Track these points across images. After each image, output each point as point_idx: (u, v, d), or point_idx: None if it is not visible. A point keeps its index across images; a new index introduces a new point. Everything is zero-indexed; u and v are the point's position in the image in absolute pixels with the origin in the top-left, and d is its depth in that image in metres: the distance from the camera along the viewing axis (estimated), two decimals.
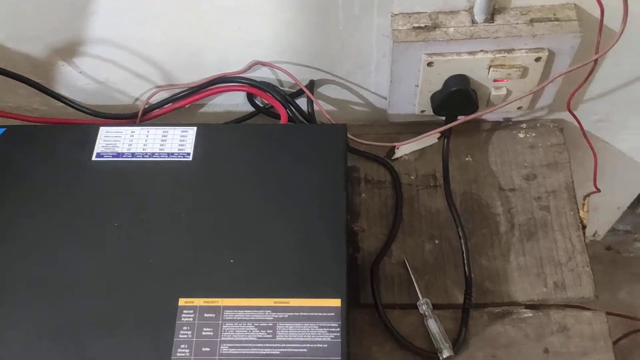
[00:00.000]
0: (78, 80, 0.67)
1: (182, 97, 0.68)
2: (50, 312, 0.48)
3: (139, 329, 0.47)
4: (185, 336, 0.47)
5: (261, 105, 0.71)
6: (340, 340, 0.47)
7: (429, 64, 0.59)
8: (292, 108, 0.65)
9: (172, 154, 0.55)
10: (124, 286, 0.49)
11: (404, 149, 0.72)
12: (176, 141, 0.56)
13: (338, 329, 0.47)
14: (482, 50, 0.59)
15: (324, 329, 0.47)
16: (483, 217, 0.67)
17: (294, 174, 0.54)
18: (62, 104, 0.67)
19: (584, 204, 0.68)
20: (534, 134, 0.72)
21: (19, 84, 0.63)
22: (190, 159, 0.55)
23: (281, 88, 0.68)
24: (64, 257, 0.50)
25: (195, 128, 0.57)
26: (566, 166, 0.69)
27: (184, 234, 0.51)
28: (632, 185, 0.91)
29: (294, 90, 0.68)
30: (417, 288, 0.62)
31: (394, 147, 0.72)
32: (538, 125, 0.72)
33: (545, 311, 0.62)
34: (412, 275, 0.63)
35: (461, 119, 0.65)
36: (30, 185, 0.54)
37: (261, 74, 0.67)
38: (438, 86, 0.62)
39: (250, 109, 0.70)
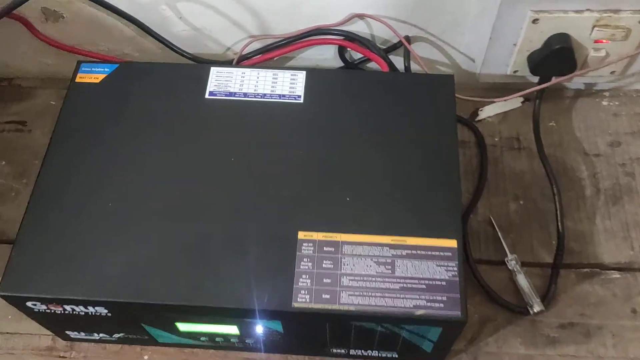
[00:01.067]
0: (176, 26, 0.67)
1: (275, 47, 0.68)
2: (180, 230, 0.49)
3: (263, 256, 0.48)
4: (306, 267, 0.48)
5: (350, 60, 0.71)
6: (458, 278, 0.48)
7: (534, 21, 0.60)
8: (388, 62, 0.65)
9: (284, 95, 0.56)
10: (247, 214, 0.49)
11: (488, 111, 0.72)
12: (287, 83, 0.57)
13: (456, 268, 0.48)
14: (588, 9, 0.59)
15: (442, 268, 0.48)
16: (568, 180, 0.68)
17: (406, 120, 0.54)
18: (156, 50, 0.68)
19: None
20: (617, 103, 0.72)
21: (113, 26, 0.64)
22: (302, 101, 0.56)
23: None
24: (188, 184, 0.51)
25: (304, 72, 0.57)
26: None
27: (299, 171, 0.52)
28: None
29: (385, 47, 0.69)
30: (504, 245, 0.63)
31: (477, 109, 0.72)
32: (621, 94, 0.73)
33: (633, 273, 0.63)
34: (499, 233, 0.64)
35: (554, 79, 0.66)
36: (147, 119, 0.54)
37: (357, 28, 0.67)
38: (538, 45, 0.63)
39: (340, 63, 0.71)
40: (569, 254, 0.63)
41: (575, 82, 0.72)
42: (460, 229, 0.50)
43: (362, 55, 0.68)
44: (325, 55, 0.71)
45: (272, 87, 0.56)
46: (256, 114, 0.55)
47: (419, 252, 0.49)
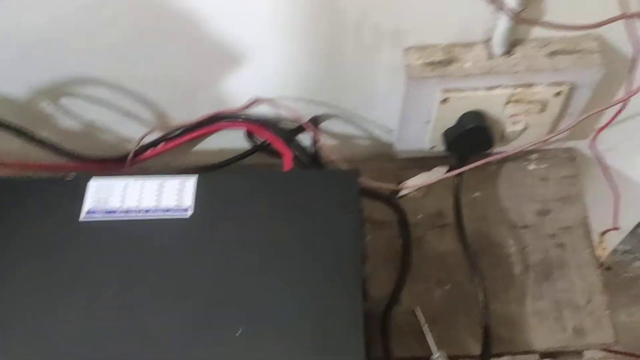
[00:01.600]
0: (64, 121, 0.62)
1: (175, 136, 0.63)
2: None
3: None
4: None
5: (259, 142, 0.66)
6: None
7: (444, 101, 0.56)
8: (294, 147, 0.61)
9: (169, 209, 0.51)
10: None
11: (411, 185, 0.68)
12: (174, 194, 0.51)
13: None
14: (500, 86, 0.55)
15: None
16: (494, 258, 0.64)
17: (305, 228, 0.50)
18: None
19: (601, 241, 0.66)
20: (544, 165, 0.69)
21: None
22: (189, 214, 0.50)
23: (282, 124, 0.63)
24: (52, 332, 0.45)
25: (194, 178, 0.52)
26: (580, 199, 0.67)
27: (186, 302, 0.46)
28: (637, 208, 0.89)
29: (296, 126, 0.64)
30: (432, 342, 0.58)
31: (400, 182, 0.68)
32: (549, 156, 0.69)
33: (565, 359, 0.59)
34: (424, 327, 0.59)
35: (474, 158, 0.62)
36: (15, 251, 0.48)
37: (261, 110, 0.62)
38: (452, 122, 0.59)
39: (248, 146, 0.66)
40: (498, 342, 0.60)
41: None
42: (363, 353, 0.45)
43: None
44: (232, 138, 0.66)
45: (157, 199, 0.51)
46: (137, 236, 0.49)
47: None
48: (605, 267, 1.12)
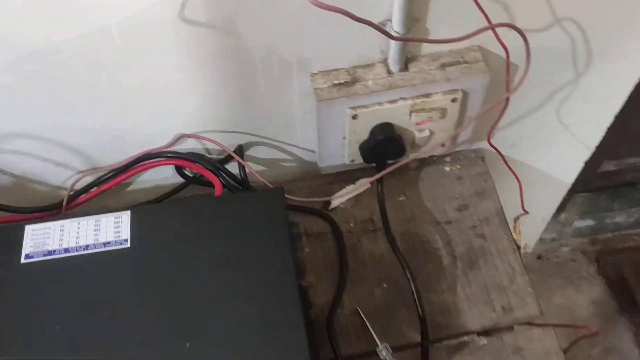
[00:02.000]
0: None
1: (107, 179, 0.65)
2: None
3: None
4: None
5: (191, 175, 0.69)
6: None
7: (354, 117, 0.61)
8: (224, 175, 0.64)
9: (108, 242, 0.53)
10: None
11: (339, 199, 0.73)
12: (110, 228, 0.54)
13: None
14: (401, 98, 0.61)
15: None
16: (425, 253, 0.69)
17: (238, 246, 0.53)
18: None
19: (515, 226, 0.72)
20: (458, 166, 0.75)
21: None
22: (129, 244, 0.53)
23: (210, 156, 0.67)
24: None
25: (128, 212, 0.55)
26: (493, 193, 0.73)
27: (132, 329, 0.49)
28: (551, 197, 0.97)
29: (223, 157, 0.68)
30: (373, 334, 0.62)
31: (329, 197, 0.73)
32: (461, 157, 0.76)
33: (499, 336, 0.64)
34: (366, 323, 0.63)
35: (391, 163, 0.67)
36: None
37: (188, 145, 0.66)
38: (365, 136, 0.64)
39: (180, 180, 0.69)
40: (436, 329, 0.64)
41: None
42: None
43: None
44: (165, 174, 0.69)
45: (95, 235, 0.53)
46: (79, 271, 0.51)
47: None
48: (537, 257, 1.20)
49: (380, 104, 0.61)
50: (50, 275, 0.51)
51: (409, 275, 0.63)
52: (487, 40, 0.58)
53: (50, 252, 0.52)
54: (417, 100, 0.61)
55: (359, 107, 0.61)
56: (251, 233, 0.54)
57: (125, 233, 0.54)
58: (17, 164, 0.63)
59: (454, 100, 0.62)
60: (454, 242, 0.70)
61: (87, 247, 0.53)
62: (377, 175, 0.66)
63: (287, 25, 0.55)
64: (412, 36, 0.56)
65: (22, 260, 0.52)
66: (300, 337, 0.49)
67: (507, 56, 0.56)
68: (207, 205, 0.56)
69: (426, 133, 0.65)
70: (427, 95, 0.61)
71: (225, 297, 0.50)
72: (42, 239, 0.53)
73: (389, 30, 0.55)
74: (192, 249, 0.53)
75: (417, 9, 0.56)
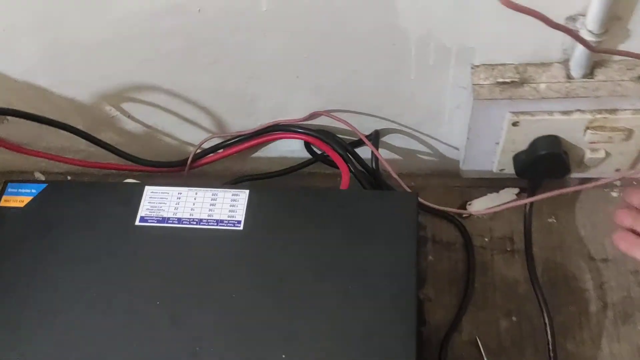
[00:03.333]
0: (126, 124, 0.62)
1: (234, 143, 0.63)
2: None
3: None
4: None
5: (319, 152, 0.64)
6: None
7: (515, 124, 0.52)
8: (353, 161, 0.58)
9: (222, 221, 0.50)
10: None
11: (478, 205, 0.64)
12: (226, 206, 0.50)
13: None
14: (578, 110, 0.50)
15: None
16: (569, 292, 0.59)
17: (358, 249, 0.47)
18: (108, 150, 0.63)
19: None
20: None
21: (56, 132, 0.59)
22: (242, 227, 0.49)
23: (341, 137, 0.61)
24: (99, 338, 0.45)
25: (247, 192, 0.51)
26: None
27: (232, 318, 0.45)
28: None
29: (355, 139, 0.62)
30: None
31: (466, 201, 0.64)
32: (634, 183, 0.63)
33: None
34: (485, 358, 0.55)
35: (547, 185, 0.57)
36: (70, 252, 0.49)
37: (320, 122, 0.60)
38: (523, 146, 0.54)
39: (308, 156, 0.64)
40: None
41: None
42: None
43: None
44: (293, 147, 0.64)
45: (210, 210, 0.50)
46: (189, 246, 0.49)
47: None
48: None
49: (550, 113, 0.51)
50: (160, 245, 0.49)
51: (545, 314, 0.54)
52: None
53: (164, 220, 0.50)
54: (598, 116, 0.50)
55: (523, 113, 0.51)
56: (375, 236, 0.48)
57: (240, 214, 0.50)
58: (149, 115, 0.61)
59: None
60: (607, 286, 0.58)
61: (200, 221, 0.50)
62: (532, 199, 0.56)
63: (451, 7, 0.46)
64: (606, 46, 0.45)
65: (137, 222, 0.50)
66: (410, 356, 0.42)
67: None
68: (333, 198, 0.51)
69: (601, 154, 0.54)
70: (613, 112, 0.50)
71: (333, 301, 0.45)
72: (158, 204, 0.51)
73: (579, 28, 0.44)
74: (307, 243, 0.48)
75: (621, 3, 0.44)
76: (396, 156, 0.65)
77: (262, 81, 0.56)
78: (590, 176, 0.60)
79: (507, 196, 0.63)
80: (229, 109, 0.60)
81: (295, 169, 0.67)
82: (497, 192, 0.64)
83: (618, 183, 0.63)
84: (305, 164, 0.66)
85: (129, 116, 0.61)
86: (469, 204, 0.64)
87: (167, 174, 0.65)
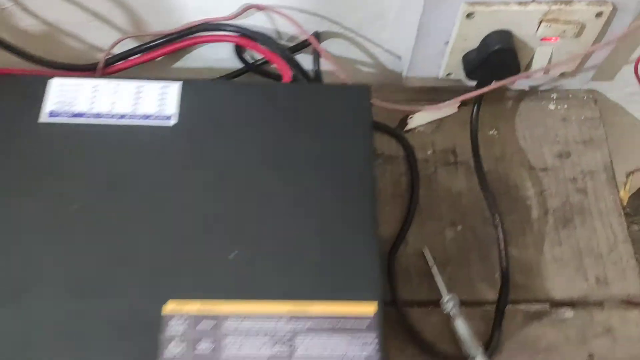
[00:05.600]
0: (21, 19, 0.52)
1: (153, 47, 0.55)
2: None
3: (111, 346, 0.35)
4: (173, 354, 0.35)
5: (251, 61, 0.58)
6: (379, 355, 0.36)
7: (469, 15, 0.49)
8: (295, 63, 0.53)
9: (149, 115, 0.43)
10: (92, 289, 0.36)
11: (419, 119, 0.61)
12: (155, 99, 0.43)
13: (376, 342, 0.37)
14: (534, 1, 0.48)
15: (358, 342, 0.37)
16: (512, 200, 0.58)
17: (308, 146, 0.42)
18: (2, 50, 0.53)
19: (626, 183, 0.60)
20: (565, 106, 0.63)
21: None
22: (173, 122, 0.42)
23: (279, 40, 0.55)
24: (10, 252, 0.37)
25: (179, 83, 0.44)
26: (603, 143, 0.61)
27: (167, 220, 0.39)
28: None
29: (292, 44, 0.56)
30: (442, 284, 0.52)
31: (407, 116, 0.61)
32: (570, 96, 0.63)
33: (588, 310, 0.54)
34: (434, 269, 0.53)
35: (494, 84, 0.55)
36: None
37: (255, 21, 0.54)
38: (474, 44, 0.52)
39: (238, 65, 0.58)
40: (514, 289, 0.53)
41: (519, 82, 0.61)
42: (380, 285, 0.39)
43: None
44: (221, 55, 0.58)
45: (135, 104, 0.43)
46: (110, 143, 0.41)
47: (326, 323, 0.37)
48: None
49: (506, 3, 0.48)
50: (74, 142, 0.41)
51: (497, 220, 0.52)
52: None
53: (78, 114, 0.42)
54: (554, 7, 0.48)
55: (479, 3, 0.48)
56: (325, 133, 0.43)
57: (172, 108, 0.43)
58: (51, 8, 0.52)
59: (598, 15, 0.49)
60: (547, 193, 0.58)
61: (122, 116, 0.42)
62: (479, 91, 0.54)
63: None
64: None
65: (42, 119, 0.42)
66: (374, 265, 0.39)
67: None
68: (277, 92, 0.45)
69: (547, 54, 0.52)
70: (569, 3, 0.48)
71: (284, 203, 0.40)
72: (69, 98, 0.43)
73: None
74: (250, 140, 0.42)
75: None
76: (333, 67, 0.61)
77: None
78: (525, 85, 0.59)
79: (450, 107, 0.61)
80: (147, 4, 0.52)
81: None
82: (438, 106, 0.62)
83: (554, 96, 0.63)
84: (235, 74, 0.59)
85: (25, 9, 0.51)
86: (411, 118, 0.61)
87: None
